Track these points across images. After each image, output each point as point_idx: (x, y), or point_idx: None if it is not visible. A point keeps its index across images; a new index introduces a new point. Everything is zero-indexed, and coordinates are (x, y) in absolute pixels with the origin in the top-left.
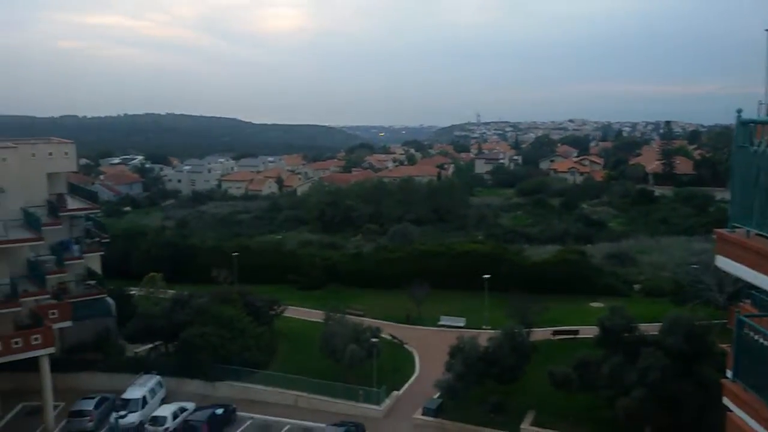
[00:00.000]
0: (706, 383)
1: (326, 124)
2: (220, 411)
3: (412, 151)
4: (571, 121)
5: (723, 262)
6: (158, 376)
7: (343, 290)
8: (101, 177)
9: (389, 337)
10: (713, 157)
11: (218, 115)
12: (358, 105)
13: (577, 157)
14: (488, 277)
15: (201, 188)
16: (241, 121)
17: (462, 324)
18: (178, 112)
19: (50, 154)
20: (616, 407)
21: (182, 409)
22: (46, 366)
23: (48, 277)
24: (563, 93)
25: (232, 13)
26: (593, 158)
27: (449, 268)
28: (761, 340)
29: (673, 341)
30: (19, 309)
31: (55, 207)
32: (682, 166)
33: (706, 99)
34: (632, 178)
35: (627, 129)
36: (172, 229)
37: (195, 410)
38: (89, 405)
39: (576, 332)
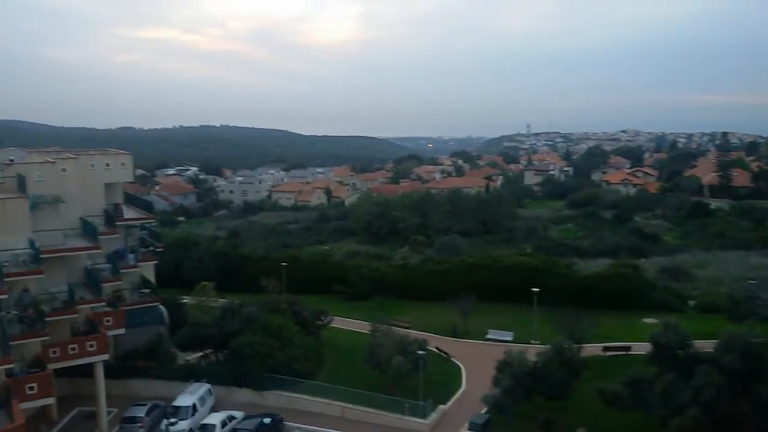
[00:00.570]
0: (764, 403)
1: (374, 136)
2: (267, 420)
3: (460, 162)
4: (623, 131)
5: None
6: (208, 384)
7: (389, 302)
8: (157, 187)
9: (435, 350)
10: None
11: (270, 127)
12: (406, 116)
13: (630, 168)
14: (537, 291)
15: (252, 199)
16: (291, 132)
17: (510, 338)
18: (232, 124)
19: (108, 165)
20: (669, 427)
21: (231, 418)
22: (100, 372)
23: (104, 285)
24: (616, 103)
25: (283, 26)
26: (647, 170)
27: (497, 280)
28: None
29: (730, 359)
30: (76, 316)
31: (111, 217)
32: (740, 179)
33: (764, 109)
34: (687, 191)
35: (682, 140)
36: (223, 239)
37: (243, 419)
38: (141, 411)
39: (628, 348)
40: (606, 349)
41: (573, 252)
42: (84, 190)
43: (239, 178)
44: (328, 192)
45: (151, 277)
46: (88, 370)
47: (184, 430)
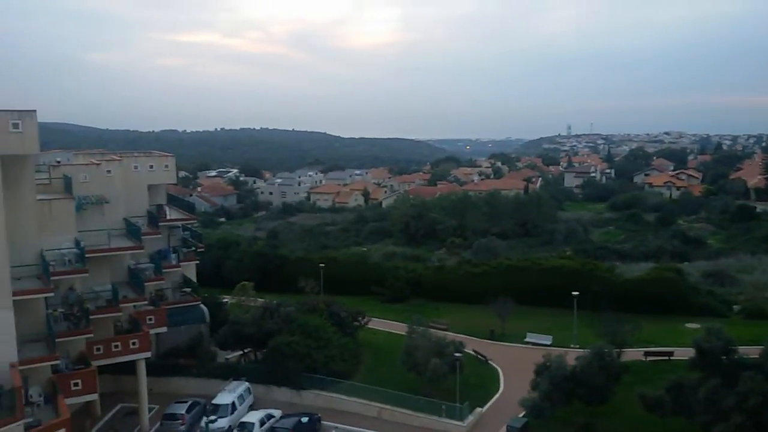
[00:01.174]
0: None
1: (412, 138)
2: (305, 419)
3: (499, 164)
4: (667, 133)
5: None
6: (247, 383)
7: (426, 303)
8: (198, 189)
9: (473, 353)
10: None
11: (308, 130)
12: (444, 118)
13: (674, 170)
14: (577, 294)
15: (291, 200)
16: (329, 135)
17: (549, 342)
18: (272, 127)
19: (151, 166)
20: None
21: (269, 416)
22: (142, 369)
23: (147, 284)
24: (659, 104)
25: (322, 30)
26: (691, 172)
27: (536, 283)
28: None
29: None
30: (119, 314)
31: (155, 217)
32: None
33: None
34: (732, 194)
35: (727, 142)
36: (262, 240)
37: (281, 418)
38: (181, 409)
39: (670, 353)
40: (647, 354)
41: (614, 255)
42: (128, 192)
43: (278, 180)
44: (365, 194)
45: (192, 276)
46: (130, 368)
47: (223, 427)
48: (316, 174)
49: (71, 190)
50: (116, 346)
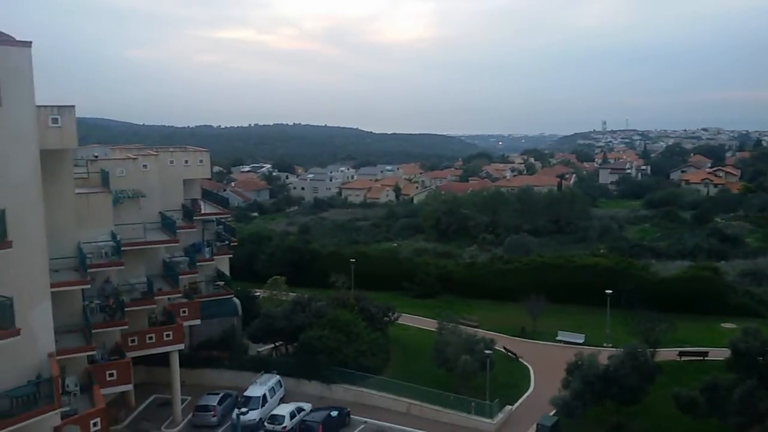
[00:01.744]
0: None
1: (444, 133)
2: (335, 413)
3: (532, 160)
4: (704, 129)
5: None
6: (278, 376)
7: (456, 300)
8: (232, 184)
9: (503, 350)
10: None
11: (341, 125)
12: (476, 114)
13: (711, 167)
14: (611, 293)
15: (323, 195)
16: (361, 130)
17: (581, 340)
18: (304, 123)
19: (186, 161)
20: None
21: (299, 409)
22: (175, 361)
23: (181, 277)
24: (697, 100)
25: (356, 25)
26: (729, 169)
27: (568, 281)
28: None
29: None
30: (154, 306)
31: (189, 211)
32: None
33: None
34: None
35: (767, 138)
36: (294, 235)
37: (311, 411)
38: (213, 400)
39: (705, 354)
40: (682, 353)
41: (649, 253)
42: (164, 186)
43: (310, 176)
44: (396, 189)
45: (225, 270)
46: (164, 359)
47: (254, 419)
48: (348, 169)
49: (108, 184)
50: (150, 338)
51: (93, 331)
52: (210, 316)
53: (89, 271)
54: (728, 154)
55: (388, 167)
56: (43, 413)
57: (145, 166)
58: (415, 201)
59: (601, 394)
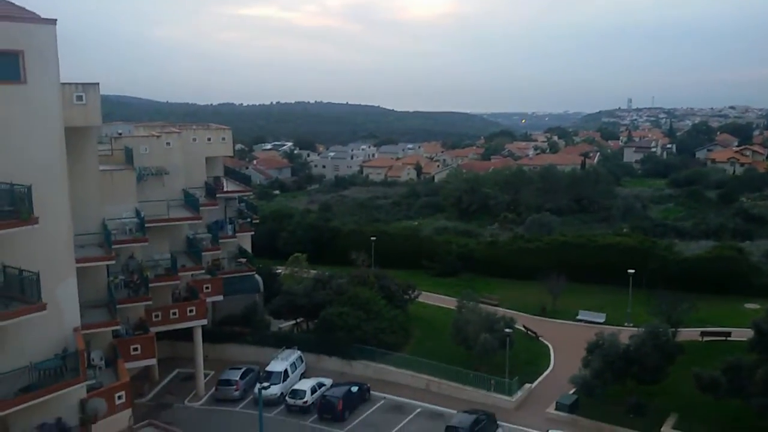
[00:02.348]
0: None
1: (467, 111)
2: (355, 389)
3: (555, 138)
4: (732, 107)
5: None
6: (299, 352)
7: (477, 279)
8: (254, 162)
9: (523, 329)
10: None
11: (362, 103)
12: (499, 91)
13: (738, 146)
14: (633, 272)
15: (344, 174)
16: (383, 108)
17: (602, 320)
18: (326, 101)
19: (209, 139)
20: None
21: (320, 385)
22: (198, 336)
23: (204, 253)
24: (725, 78)
25: (378, 2)
26: (756, 148)
27: (590, 260)
28: None
29: None
30: (177, 282)
31: (212, 189)
32: None
33: None
34: None
35: None
36: (315, 213)
37: (332, 386)
38: (236, 375)
39: (728, 334)
40: (704, 334)
41: (673, 233)
42: (186, 163)
43: (332, 154)
44: (417, 168)
45: (247, 247)
46: (187, 334)
47: (275, 394)
48: (369, 147)
49: (132, 161)
50: (174, 314)
51: (117, 306)
52: (232, 292)
53: (114, 247)
54: (756, 133)
55: (410, 145)
56: (70, 386)
57: (168, 143)
58: (436, 179)
59: (622, 374)
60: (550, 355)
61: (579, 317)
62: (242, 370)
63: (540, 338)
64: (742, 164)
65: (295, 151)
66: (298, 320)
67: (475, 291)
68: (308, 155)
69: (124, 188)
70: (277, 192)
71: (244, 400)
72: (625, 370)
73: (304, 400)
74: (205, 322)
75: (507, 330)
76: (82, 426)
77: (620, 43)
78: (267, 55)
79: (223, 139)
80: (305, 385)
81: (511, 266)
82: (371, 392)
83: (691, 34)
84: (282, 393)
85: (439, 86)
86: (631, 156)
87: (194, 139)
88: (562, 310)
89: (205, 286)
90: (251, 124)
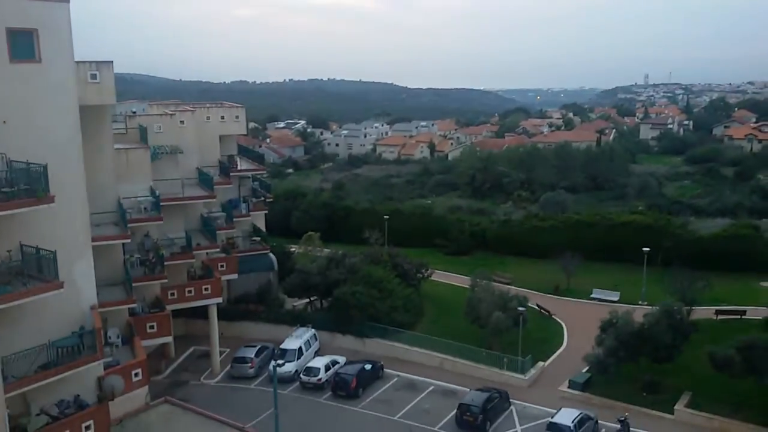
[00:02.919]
0: None
1: (481, 88)
2: (368, 366)
3: (570, 115)
4: (750, 83)
5: None
6: (313, 330)
7: (490, 257)
8: (267, 140)
9: (536, 308)
10: None
11: (376, 80)
12: (514, 67)
13: (756, 123)
14: (648, 251)
15: (357, 152)
16: (396, 85)
17: (616, 298)
18: (339, 78)
19: (222, 117)
20: None
21: (334, 362)
22: (214, 314)
23: (218, 232)
24: (744, 53)
25: None
26: None
27: (605, 239)
28: None
29: None
30: (192, 261)
31: (226, 167)
32: None
33: None
34: None
35: None
36: (329, 191)
37: (345, 364)
38: (251, 353)
39: (743, 312)
40: (718, 312)
41: (689, 211)
42: (200, 142)
43: (345, 132)
44: (431, 146)
45: (261, 226)
46: (202, 312)
47: (290, 371)
48: (382, 125)
49: (146, 140)
50: (189, 292)
51: (133, 284)
52: (247, 270)
53: (129, 225)
54: None
55: (423, 123)
56: (87, 363)
57: (182, 122)
58: (449, 157)
59: (635, 352)
60: (563, 333)
61: (593, 296)
62: (257, 348)
63: (553, 317)
64: (759, 141)
65: (308, 130)
66: (312, 299)
67: (488, 270)
68: (321, 133)
69: (138, 167)
70: (290, 170)
71: (259, 377)
72: (638, 348)
73: (319, 377)
74: (220, 300)
75: (520, 308)
76: (99, 403)
77: (637, 17)
78: (280, 32)
79: (237, 117)
80: (319, 362)
81: (524, 245)
82: (385, 370)
83: (709, 8)
84: (296, 370)
85: (452, 63)
86: (647, 133)
87: (208, 118)
88: (576, 289)
89: (219, 264)
90: (264, 102)
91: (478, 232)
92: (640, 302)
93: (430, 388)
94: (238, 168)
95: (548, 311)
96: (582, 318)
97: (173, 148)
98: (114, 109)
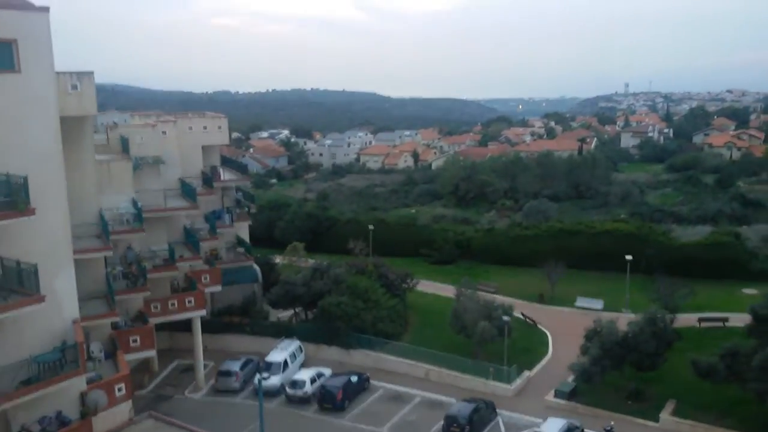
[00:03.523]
0: None
1: (463, 98)
2: (354, 378)
3: (552, 124)
4: (729, 91)
5: None
6: (298, 342)
7: (475, 266)
8: (251, 150)
9: (521, 316)
10: None
11: (359, 90)
12: (496, 77)
13: (735, 130)
14: (631, 259)
15: (341, 162)
16: (380, 95)
17: (600, 306)
18: (322, 88)
19: (205, 128)
20: (767, 402)
21: (319, 374)
22: (198, 327)
23: (201, 243)
24: (722, 62)
25: None
26: (753, 132)
27: (588, 247)
28: None
29: None
30: (175, 273)
31: (209, 178)
32: None
33: None
34: None
35: None
36: (313, 201)
37: (331, 376)
38: (236, 366)
39: (725, 320)
40: (701, 320)
41: (671, 218)
42: (183, 152)
43: (328, 141)
44: (415, 155)
45: (245, 237)
46: (186, 325)
47: (275, 384)
48: (366, 135)
49: (128, 150)
50: (173, 304)
51: (116, 297)
52: (231, 282)
53: (111, 238)
54: (753, 117)
55: (407, 132)
56: (69, 378)
57: (164, 132)
58: (433, 167)
59: (620, 360)
60: (548, 342)
61: (577, 304)
62: (242, 361)
63: (538, 325)
64: (739, 148)
65: (292, 140)
66: (297, 310)
67: (473, 279)
68: (305, 143)
69: (120, 178)
70: (274, 181)
71: (244, 390)
72: (623, 356)
73: (304, 390)
74: (204, 312)
75: (505, 318)
76: (82, 419)
77: (617, 27)
78: (263, 42)
79: (219, 127)
80: (305, 375)
81: (509, 253)
82: (371, 381)
83: (688, 18)
84: (282, 383)
85: (435, 72)
86: (628, 141)
87: (190, 128)
88: (560, 297)
89: (203, 276)
90: (247, 112)
91: (462, 241)
92: (623, 310)
93: (417, 400)
94: (221, 178)
95: (533, 320)
96: (567, 326)
97: (155, 158)
98: (95, 119)
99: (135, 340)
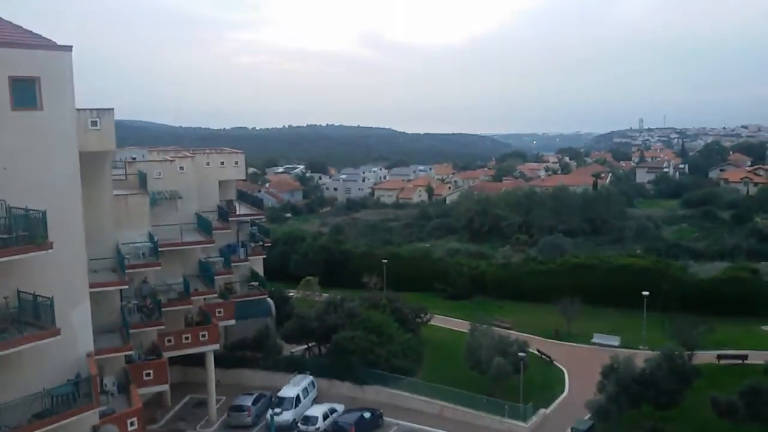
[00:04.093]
0: None
1: (478, 133)
2: (367, 415)
3: (567, 159)
4: (744, 127)
5: None
6: (311, 377)
7: (489, 301)
8: (266, 185)
9: (537, 353)
10: None
11: (374, 126)
12: (511, 113)
13: (751, 166)
14: (647, 294)
15: (355, 196)
16: (394, 130)
17: (616, 343)
18: (337, 123)
19: (222, 163)
20: None
21: (332, 410)
22: (211, 361)
23: (216, 277)
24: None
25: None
26: None
27: (604, 283)
28: None
29: None
30: (190, 306)
31: (225, 212)
32: None
33: None
34: None
35: None
36: (327, 235)
37: (344, 412)
38: (248, 401)
39: (744, 357)
40: (720, 357)
41: (687, 254)
42: (200, 187)
43: (343, 176)
44: (429, 190)
45: (260, 270)
46: (199, 359)
47: (287, 420)
48: (381, 170)
49: (146, 185)
50: (187, 338)
51: (130, 331)
52: (244, 316)
53: (127, 271)
54: None
55: (421, 167)
56: (82, 412)
57: (181, 167)
58: (447, 201)
59: (637, 398)
60: (564, 379)
61: (593, 340)
62: (254, 396)
63: (554, 362)
64: (755, 184)
65: (307, 174)
66: (310, 344)
67: (487, 314)
68: (320, 178)
69: (137, 213)
70: (289, 215)
71: (256, 426)
72: (640, 394)
73: (317, 426)
74: (217, 346)
75: (521, 354)
76: None
77: (631, 62)
78: (279, 80)
79: (236, 163)
80: (317, 411)
81: (523, 289)
82: (384, 418)
83: (702, 53)
84: (294, 419)
85: (449, 108)
86: (643, 176)
87: (207, 164)
88: (576, 333)
89: (217, 310)
90: (264, 148)
91: (477, 275)
92: (641, 347)
93: None
94: (237, 213)
95: (549, 357)
96: (583, 363)
97: (172, 193)
98: (114, 155)
99: (148, 374)
